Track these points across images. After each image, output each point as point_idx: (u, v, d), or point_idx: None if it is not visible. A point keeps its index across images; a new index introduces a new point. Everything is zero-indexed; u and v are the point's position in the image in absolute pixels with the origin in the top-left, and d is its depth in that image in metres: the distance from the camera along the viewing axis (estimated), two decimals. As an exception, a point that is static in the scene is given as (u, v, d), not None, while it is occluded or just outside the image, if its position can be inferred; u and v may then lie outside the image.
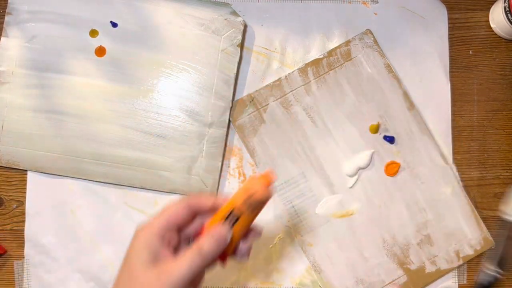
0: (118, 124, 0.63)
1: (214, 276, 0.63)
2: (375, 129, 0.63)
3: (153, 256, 0.37)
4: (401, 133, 0.64)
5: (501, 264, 0.34)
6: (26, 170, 0.64)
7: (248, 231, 0.42)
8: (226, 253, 0.41)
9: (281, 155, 0.63)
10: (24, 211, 0.64)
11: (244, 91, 0.65)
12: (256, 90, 0.64)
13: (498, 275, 0.34)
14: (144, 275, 0.36)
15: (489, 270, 0.35)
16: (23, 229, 0.63)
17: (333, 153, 0.63)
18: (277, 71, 0.65)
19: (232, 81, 0.64)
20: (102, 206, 0.64)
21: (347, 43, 0.65)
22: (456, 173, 0.64)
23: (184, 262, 0.37)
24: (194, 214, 0.41)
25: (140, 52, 0.64)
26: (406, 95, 0.64)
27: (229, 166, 0.64)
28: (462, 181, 0.64)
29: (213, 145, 0.63)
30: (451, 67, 0.66)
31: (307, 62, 0.65)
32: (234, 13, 0.64)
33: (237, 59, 0.64)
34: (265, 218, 0.63)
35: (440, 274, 0.62)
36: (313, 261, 0.62)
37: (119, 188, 0.64)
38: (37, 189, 0.64)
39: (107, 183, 0.63)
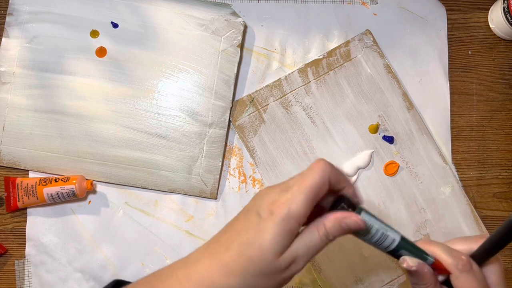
0: (119, 124, 0.63)
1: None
2: (375, 129, 0.64)
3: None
4: (400, 133, 0.64)
5: None
6: (27, 170, 0.64)
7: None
8: None
9: (281, 155, 0.64)
10: (25, 210, 0.64)
11: (244, 91, 0.65)
12: (256, 90, 0.64)
13: None
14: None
15: None
16: (24, 229, 0.64)
17: (333, 153, 0.64)
18: (277, 72, 0.66)
19: (232, 82, 0.64)
20: (103, 206, 0.64)
21: (347, 43, 0.65)
22: (455, 173, 0.64)
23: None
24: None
25: (140, 52, 0.64)
26: (405, 95, 0.64)
27: (229, 166, 0.65)
28: (461, 181, 0.64)
29: (213, 145, 0.63)
30: (450, 68, 0.66)
31: (306, 62, 0.65)
32: (234, 13, 0.64)
33: (237, 59, 0.64)
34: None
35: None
36: (312, 260, 0.62)
37: (119, 188, 0.64)
38: (38, 189, 0.64)
39: (108, 182, 0.64)
